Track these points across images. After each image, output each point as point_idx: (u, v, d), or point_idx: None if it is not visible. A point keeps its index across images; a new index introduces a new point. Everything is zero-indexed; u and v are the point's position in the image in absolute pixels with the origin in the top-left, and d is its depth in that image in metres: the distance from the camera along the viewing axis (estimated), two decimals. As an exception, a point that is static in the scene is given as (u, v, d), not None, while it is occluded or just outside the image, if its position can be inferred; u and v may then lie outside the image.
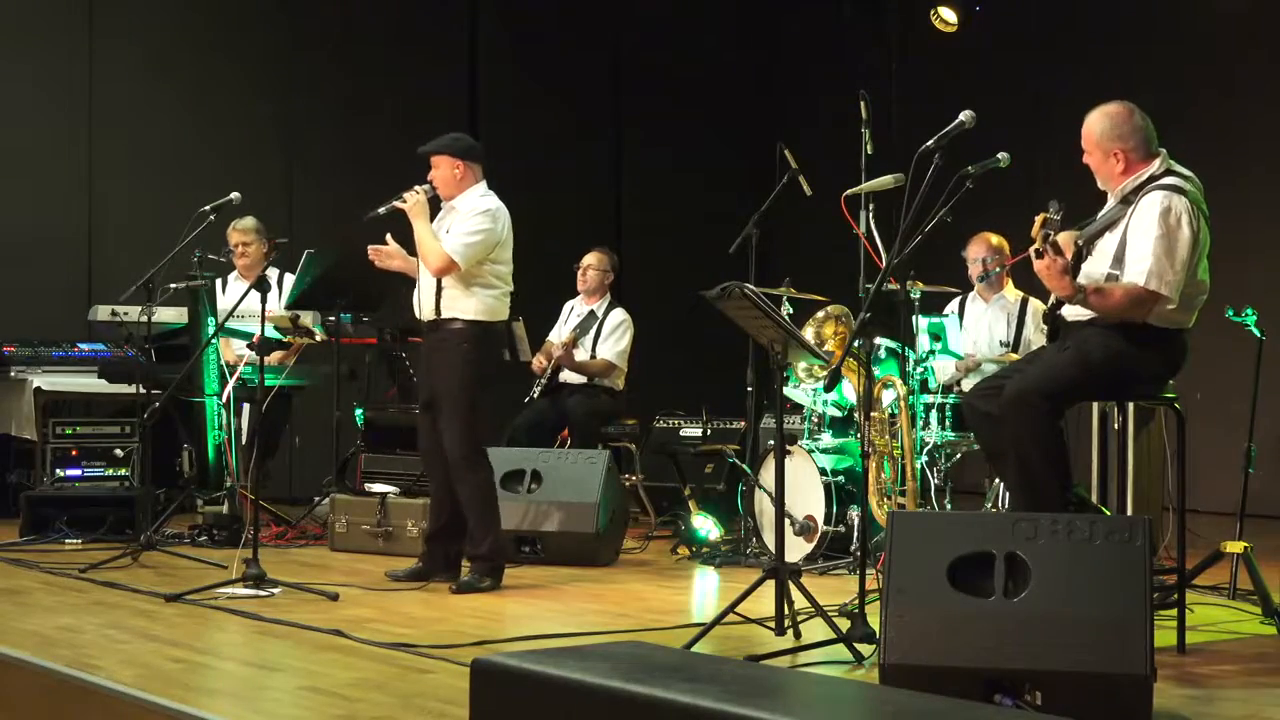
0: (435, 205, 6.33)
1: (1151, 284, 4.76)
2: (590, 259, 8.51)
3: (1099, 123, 4.99)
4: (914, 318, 6.44)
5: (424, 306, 6.18)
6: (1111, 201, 5.03)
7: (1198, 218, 4.84)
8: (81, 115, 9.51)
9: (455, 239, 6.08)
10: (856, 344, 5.44)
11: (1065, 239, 4.84)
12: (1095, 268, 4.93)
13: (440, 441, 6.17)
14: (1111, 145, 4.96)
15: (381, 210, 6.13)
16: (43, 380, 8.33)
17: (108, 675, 4.19)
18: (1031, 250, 4.74)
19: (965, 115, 4.77)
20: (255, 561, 5.85)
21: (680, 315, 9.27)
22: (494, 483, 6.29)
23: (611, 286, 8.66)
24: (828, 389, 6.86)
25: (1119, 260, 4.86)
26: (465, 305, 6.12)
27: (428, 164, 6.25)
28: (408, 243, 6.27)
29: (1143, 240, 4.80)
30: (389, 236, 6.28)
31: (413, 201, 6.11)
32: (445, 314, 6.12)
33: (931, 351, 6.67)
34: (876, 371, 6.37)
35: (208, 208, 7.17)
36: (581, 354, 8.36)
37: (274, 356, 7.59)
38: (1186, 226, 4.80)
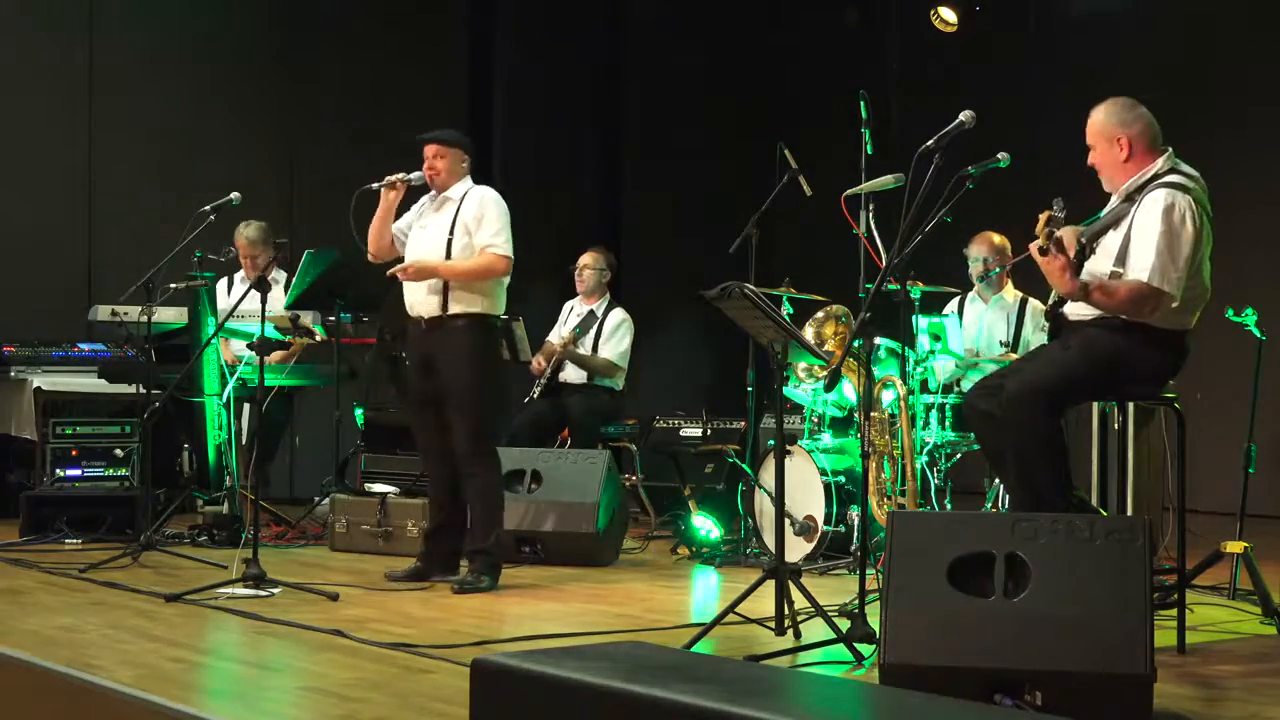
0: (414, 192, 6.35)
1: (1155, 280, 4.76)
2: (586, 259, 8.51)
3: (1103, 111, 5.02)
4: (914, 318, 6.44)
5: (425, 304, 6.17)
6: (1115, 199, 5.04)
7: (1201, 216, 4.85)
8: (82, 115, 9.52)
9: (490, 238, 6.11)
10: (856, 344, 5.43)
11: (1069, 234, 4.84)
12: (1099, 266, 4.93)
13: (442, 439, 6.18)
14: (1115, 132, 4.97)
15: (375, 185, 6.19)
16: (43, 380, 8.34)
17: (108, 675, 4.19)
18: (1035, 247, 4.74)
19: (965, 115, 4.77)
20: (255, 561, 5.85)
21: (680, 315, 9.31)
22: (501, 479, 6.29)
23: (611, 286, 8.65)
24: (828, 389, 6.86)
25: (1122, 258, 4.86)
26: (472, 300, 6.13)
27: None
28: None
29: (1146, 238, 4.80)
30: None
31: (414, 267, 6.11)
32: (453, 309, 6.12)
33: (931, 351, 6.68)
34: (876, 371, 6.37)
35: (208, 208, 7.16)
36: (583, 352, 8.35)
37: (274, 356, 7.59)
38: (1190, 224, 4.81)
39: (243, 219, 8.06)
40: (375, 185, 6.19)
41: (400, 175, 6.21)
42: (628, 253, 10.89)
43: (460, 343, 6.11)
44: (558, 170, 11.24)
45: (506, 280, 6.24)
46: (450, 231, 6.15)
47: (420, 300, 6.18)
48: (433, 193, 6.29)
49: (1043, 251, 4.72)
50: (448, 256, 6.13)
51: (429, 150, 6.24)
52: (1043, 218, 4.72)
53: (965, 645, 3.83)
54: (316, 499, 8.07)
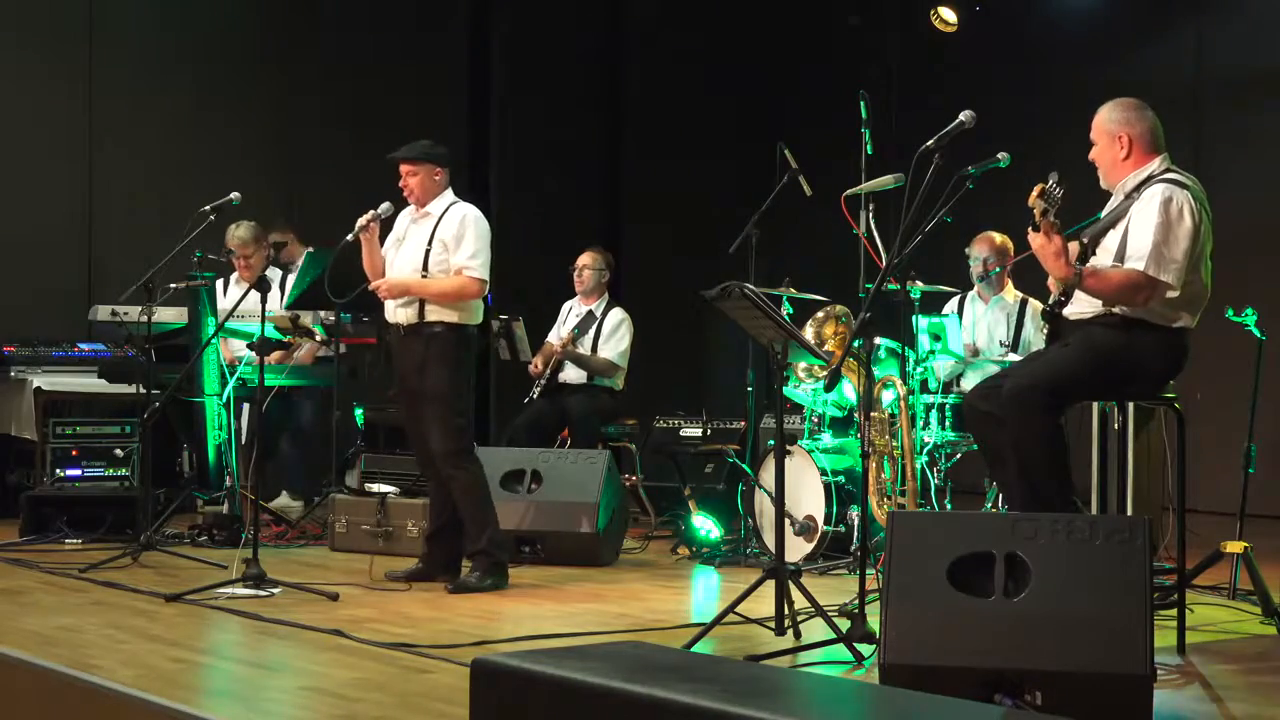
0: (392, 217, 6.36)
1: (1150, 269, 4.76)
2: (585, 259, 8.50)
3: (1108, 109, 5.03)
4: (914, 318, 6.45)
5: (402, 311, 6.20)
6: (1114, 200, 5.04)
7: (1200, 211, 4.85)
8: (81, 116, 9.52)
9: (465, 260, 6.10)
10: (856, 344, 5.43)
11: (1071, 249, 4.85)
12: (1099, 264, 4.93)
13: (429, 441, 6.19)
14: (1118, 130, 4.98)
15: (350, 237, 6.19)
16: (43, 380, 8.34)
17: (108, 675, 4.19)
18: (1030, 229, 4.74)
19: (965, 115, 4.77)
20: (255, 561, 5.85)
21: (680, 315, 9.31)
22: (485, 478, 6.29)
23: (610, 286, 8.65)
24: (828, 389, 6.86)
25: (1121, 255, 4.87)
26: (448, 310, 6.15)
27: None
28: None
29: (1143, 228, 4.81)
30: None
31: (388, 285, 6.16)
32: (429, 318, 6.15)
33: (931, 351, 6.68)
34: (876, 371, 6.37)
35: (208, 208, 7.16)
36: (582, 352, 8.35)
37: (273, 356, 7.59)
38: (1188, 217, 4.81)
39: (242, 219, 8.07)
40: (350, 237, 6.19)
41: (369, 214, 6.21)
42: (628, 252, 10.90)
43: (435, 348, 6.13)
44: (558, 170, 11.23)
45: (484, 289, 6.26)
46: (428, 246, 6.17)
47: (397, 309, 6.22)
48: (411, 207, 6.30)
49: (1034, 228, 4.72)
50: (425, 270, 6.15)
51: (402, 168, 6.25)
52: (1036, 190, 4.71)
53: (965, 645, 3.83)
54: (316, 499, 8.07)
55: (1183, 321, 4.91)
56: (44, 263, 9.24)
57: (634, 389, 8.54)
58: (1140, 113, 5.01)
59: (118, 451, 8.20)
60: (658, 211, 11.55)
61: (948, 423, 6.64)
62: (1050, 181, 4.70)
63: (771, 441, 6.16)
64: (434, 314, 6.15)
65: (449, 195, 6.29)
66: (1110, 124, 5.00)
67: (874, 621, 4.31)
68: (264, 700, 4.11)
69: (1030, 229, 4.75)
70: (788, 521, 6.25)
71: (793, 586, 4.99)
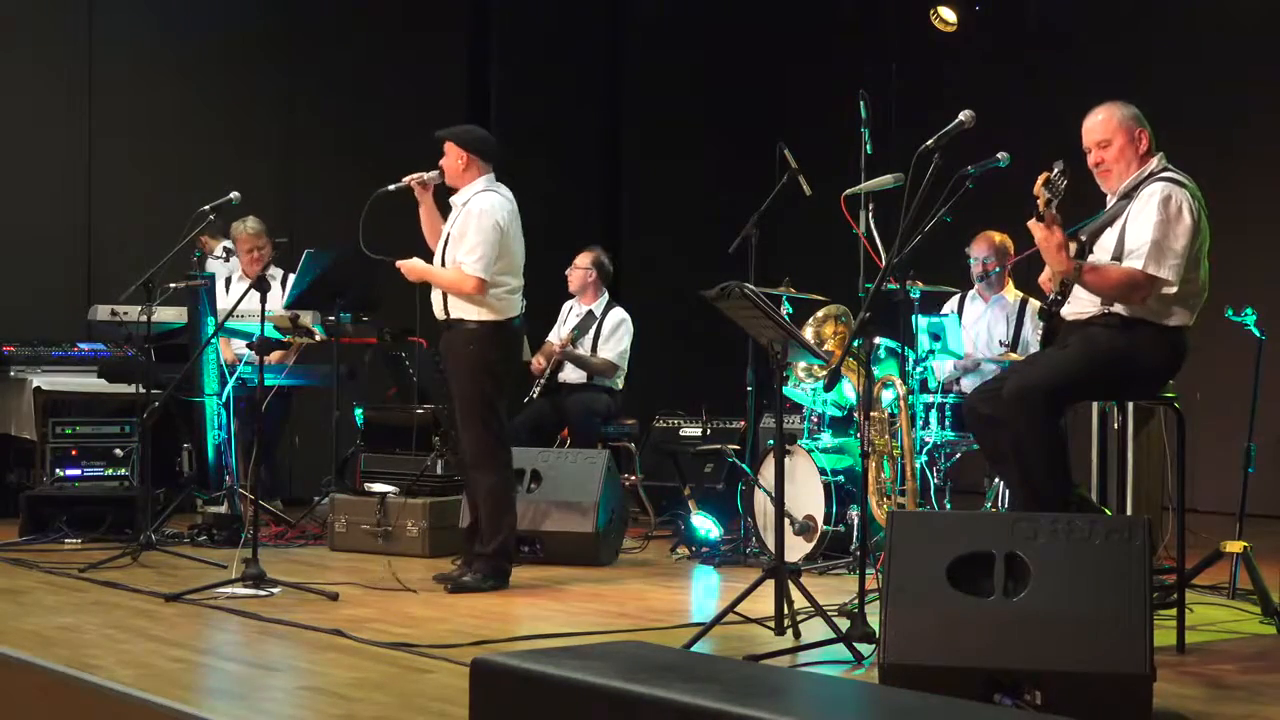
0: (444, 191, 6.35)
1: (1150, 268, 4.77)
2: (584, 259, 8.48)
3: (1119, 110, 5.02)
4: (914, 318, 6.45)
5: (436, 307, 6.21)
6: (1112, 200, 5.04)
7: (1198, 209, 4.86)
8: (81, 115, 9.52)
9: (463, 255, 6.06)
10: (856, 344, 5.44)
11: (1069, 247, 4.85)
12: (1097, 261, 4.93)
13: None
14: (1135, 127, 4.99)
15: (392, 187, 6.16)
16: (43, 380, 8.34)
17: (108, 675, 4.20)
18: (1033, 218, 4.74)
19: (965, 115, 4.77)
20: (255, 561, 5.85)
21: (680, 315, 9.29)
22: (509, 484, 6.26)
23: (610, 286, 8.64)
24: (828, 389, 6.86)
25: (1119, 254, 4.87)
26: (467, 308, 6.11)
27: (439, 151, 6.27)
28: (417, 235, 6.29)
29: (1142, 227, 4.82)
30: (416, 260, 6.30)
31: (412, 266, 6.21)
32: (454, 315, 6.13)
33: (931, 351, 6.68)
34: (876, 371, 6.37)
35: (208, 208, 7.16)
36: (581, 352, 8.35)
37: (274, 356, 7.59)
38: (1187, 215, 4.82)
39: (240, 218, 8.07)
40: (392, 187, 6.17)
41: (416, 176, 6.19)
42: (628, 252, 10.90)
43: (461, 348, 6.11)
44: (558, 170, 11.23)
45: (514, 282, 6.21)
46: (446, 237, 6.17)
47: (435, 302, 6.22)
48: None
49: (1039, 218, 4.72)
50: (443, 260, 6.15)
51: None
52: (1041, 179, 4.71)
53: (965, 645, 3.83)
54: (316, 499, 8.07)
55: (1180, 319, 4.91)
56: (44, 263, 9.24)
57: (634, 389, 8.54)
58: (1138, 111, 5.03)
59: (118, 451, 8.20)
60: (658, 211, 11.56)
61: (948, 422, 6.64)
62: (1055, 170, 4.69)
63: (771, 441, 6.16)
64: (457, 310, 6.12)
65: (478, 185, 6.19)
66: (1129, 122, 4.99)
67: (874, 621, 4.31)
68: (264, 700, 4.11)
69: (1034, 218, 4.75)
70: (787, 521, 6.25)
71: (792, 586, 4.99)
